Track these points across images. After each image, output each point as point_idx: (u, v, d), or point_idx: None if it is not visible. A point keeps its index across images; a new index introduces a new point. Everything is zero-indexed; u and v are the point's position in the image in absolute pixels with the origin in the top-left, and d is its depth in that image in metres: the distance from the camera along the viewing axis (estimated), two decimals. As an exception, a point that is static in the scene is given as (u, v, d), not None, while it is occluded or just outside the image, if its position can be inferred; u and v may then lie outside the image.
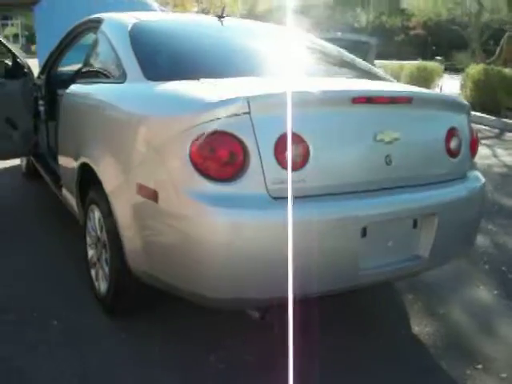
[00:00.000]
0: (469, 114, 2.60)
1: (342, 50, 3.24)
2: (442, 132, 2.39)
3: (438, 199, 2.30)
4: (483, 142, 8.30)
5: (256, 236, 1.90)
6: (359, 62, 3.14)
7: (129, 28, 2.73)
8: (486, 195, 2.73)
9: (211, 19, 3.21)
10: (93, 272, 2.71)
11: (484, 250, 3.70)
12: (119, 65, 2.58)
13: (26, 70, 3.86)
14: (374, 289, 2.94)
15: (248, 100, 1.90)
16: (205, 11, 24.35)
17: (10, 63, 3.92)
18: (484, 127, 9.60)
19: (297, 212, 1.86)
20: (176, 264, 2.03)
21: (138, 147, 2.19)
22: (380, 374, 2.29)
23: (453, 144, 2.41)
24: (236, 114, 1.89)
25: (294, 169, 1.92)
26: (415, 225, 2.26)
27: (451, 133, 2.42)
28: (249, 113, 1.89)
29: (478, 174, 2.65)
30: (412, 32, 29.08)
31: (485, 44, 19.01)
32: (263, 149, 1.89)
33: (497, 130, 9.41)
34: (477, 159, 6.67)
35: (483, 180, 2.63)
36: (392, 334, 2.62)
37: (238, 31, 3.15)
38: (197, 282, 2.00)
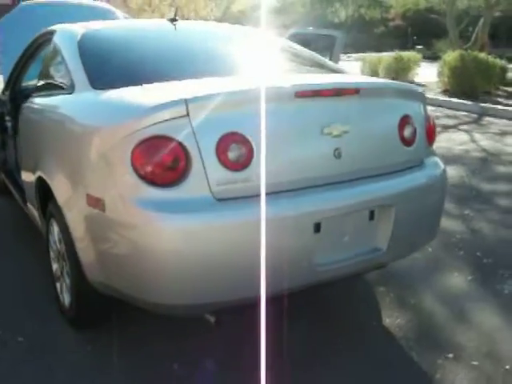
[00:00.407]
0: (424, 102, 2.59)
1: (294, 46, 3.22)
2: (395, 121, 2.36)
3: (393, 189, 2.28)
4: (461, 127, 8.33)
5: (203, 239, 1.87)
6: (312, 56, 3.12)
7: (78, 38, 2.70)
8: (446, 181, 2.66)
9: (164, 23, 3.16)
10: (58, 285, 2.67)
11: (460, 237, 3.68)
12: (68, 75, 2.54)
13: None
14: (344, 282, 2.92)
15: (186, 102, 1.87)
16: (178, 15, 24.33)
17: None
18: (462, 113, 9.64)
19: (243, 212, 1.87)
20: (128, 273, 1.99)
21: (85, 157, 2.15)
22: (348, 368, 2.26)
23: (407, 132, 2.39)
24: (174, 118, 1.86)
25: (238, 169, 1.91)
26: (372, 217, 2.24)
27: (404, 121, 2.39)
28: (187, 115, 1.87)
29: (437, 160, 2.63)
30: (392, 23, 29.21)
31: (464, 31, 19.07)
32: (204, 151, 1.87)
33: (475, 115, 9.43)
34: (455, 145, 6.80)
35: (442, 166, 2.61)
36: (362, 327, 2.59)
37: (189, 34, 3.10)
38: (149, 291, 1.97)
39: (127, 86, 2.28)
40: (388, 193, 2.25)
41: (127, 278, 2.01)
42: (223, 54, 2.83)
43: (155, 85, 2.23)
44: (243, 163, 1.92)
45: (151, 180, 1.87)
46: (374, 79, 2.72)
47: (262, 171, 1.90)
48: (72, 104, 2.46)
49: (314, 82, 2.34)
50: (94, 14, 5.25)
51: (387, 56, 15.08)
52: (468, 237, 3.72)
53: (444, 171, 2.59)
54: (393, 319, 2.64)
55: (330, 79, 2.57)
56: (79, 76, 2.45)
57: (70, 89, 2.49)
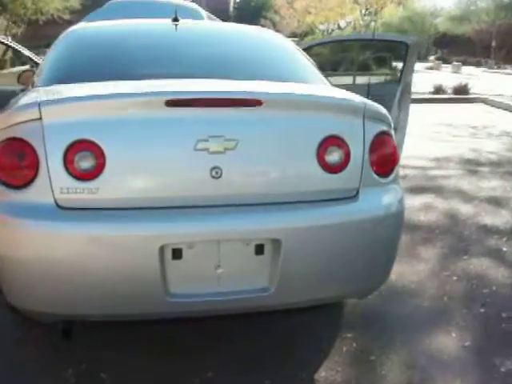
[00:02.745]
0: (374, 120, 2.02)
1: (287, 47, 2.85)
2: (313, 141, 1.91)
3: (288, 223, 1.85)
4: None
5: (42, 247, 1.77)
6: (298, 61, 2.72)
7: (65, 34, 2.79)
8: (392, 223, 2.06)
9: (165, 23, 2.99)
10: None
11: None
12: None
13: None
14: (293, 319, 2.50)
15: (39, 105, 1.79)
16: None
17: None
18: None
19: (81, 224, 1.74)
20: None
21: None
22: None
23: (331, 156, 1.92)
24: (28, 120, 1.79)
25: (85, 178, 1.77)
26: (260, 251, 1.84)
27: (329, 142, 1.92)
28: (40, 119, 1.78)
29: (388, 195, 2.05)
30: None
31: None
32: (51, 156, 1.76)
33: None
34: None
35: (393, 204, 2.05)
36: (287, 375, 2.18)
37: (182, 35, 2.84)
38: (6, 292, 1.92)
39: (71, 83, 2.16)
40: (279, 226, 1.84)
41: None
42: (204, 56, 2.57)
43: (51, 88, 2.12)
44: (92, 173, 1.77)
45: (4, 181, 1.82)
46: (296, 89, 2.16)
47: (115, 185, 1.78)
48: None
49: (199, 89, 1.96)
50: (180, 12, 5.30)
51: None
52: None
53: (392, 211, 2.04)
54: (331, 374, 2.18)
55: (232, 87, 2.07)
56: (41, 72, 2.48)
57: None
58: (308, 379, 2.15)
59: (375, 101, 2.09)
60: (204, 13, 5.69)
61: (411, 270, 3.24)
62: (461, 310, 2.72)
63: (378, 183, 2.02)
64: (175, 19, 2.88)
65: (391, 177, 2.07)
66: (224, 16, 13.20)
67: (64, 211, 1.76)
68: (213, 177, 1.79)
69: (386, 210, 2.02)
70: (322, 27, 35.17)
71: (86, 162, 1.76)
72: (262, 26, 6.49)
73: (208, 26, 3.09)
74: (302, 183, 1.92)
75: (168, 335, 2.39)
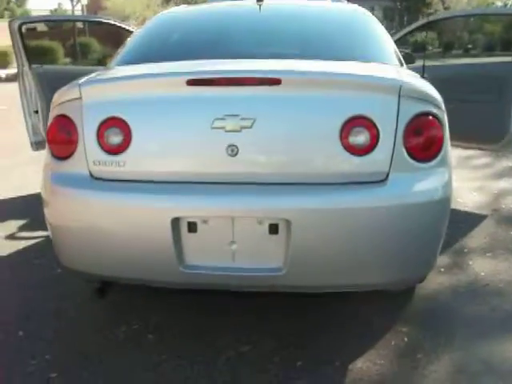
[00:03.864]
0: (406, 97, 1.82)
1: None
2: (335, 121, 1.80)
3: (303, 204, 1.78)
4: None
5: (78, 212, 1.95)
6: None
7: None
8: (420, 210, 1.83)
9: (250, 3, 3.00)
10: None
11: None
12: None
13: None
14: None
15: (80, 86, 1.96)
16: None
17: None
18: None
19: (110, 194, 1.89)
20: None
21: None
22: None
23: (356, 137, 1.79)
24: (71, 99, 1.97)
25: (114, 152, 1.91)
26: (274, 231, 1.80)
27: (354, 122, 1.79)
28: (80, 98, 1.94)
29: (421, 181, 1.84)
30: None
31: None
32: (87, 131, 1.93)
33: None
34: None
35: (422, 189, 1.84)
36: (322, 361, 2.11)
37: (264, 16, 2.78)
38: (56, 253, 2.14)
39: (139, 63, 2.32)
40: (289, 207, 1.78)
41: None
42: (274, 37, 2.56)
43: (149, 65, 2.24)
44: (119, 148, 1.90)
45: (53, 153, 2.04)
46: (321, 67, 2.04)
47: (140, 159, 1.90)
48: None
49: (221, 68, 1.96)
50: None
51: None
52: None
53: (428, 198, 1.84)
54: (367, 366, 2.07)
55: (254, 66, 2.03)
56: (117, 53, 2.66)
57: None
58: (341, 367, 2.07)
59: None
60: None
61: (506, 267, 2.90)
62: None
63: (415, 168, 1.84)
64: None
65: (434, 162, 1.86)
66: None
67: (97, 181, 1.92)
68: (229, 155, 1.80)
69: (421, 198, 1.82)
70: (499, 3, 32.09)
71: (115, 138, 1.89)
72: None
73: (292, 5, 3.01)
74: (322, 164, 1.83)
75: (214, 307, 2.48)
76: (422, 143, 1.84)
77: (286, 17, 2.77)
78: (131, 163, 1.89)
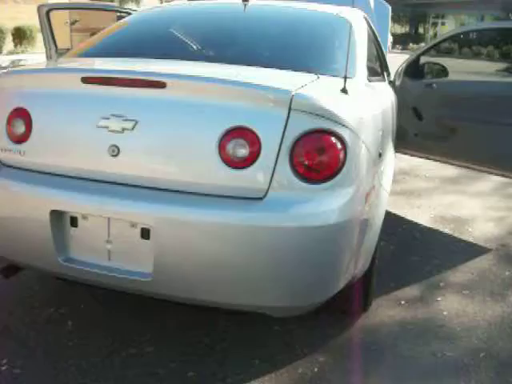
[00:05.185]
0: (297, 111, 1.68)
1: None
2: (215, 130, 1.70)
3: (161, 212, 1.72)
4: None
5: None
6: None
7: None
8: (296, 235, 1.67)
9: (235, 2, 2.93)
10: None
11: None
12: None
13: None
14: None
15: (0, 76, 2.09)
16: None
17: None
18: None
19: (8, 181, 1.96)
20: None
21: None
22: None
23: (234, 150, 1.69)
24: None
25: (17, 141, 1.97)
26: (146, 235, 1.75)
27: (235, 133, 1.69)
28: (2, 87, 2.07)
29: (306, 203, 1.69)
30: None
31: None
32: (0, 120, 2.01)
33: None
34: None
35: (302, 213, 1.68)
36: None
37: (242, 16, 2.72)
38: None
39: (97, 57, 2.41)
40: (152, 214, 1.72)
41: None
42: (231, 40, 2.51)
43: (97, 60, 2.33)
44: (22, 138, 1.96)
45: None
46: (232, 74, 1.95)
47: (38, 150, 1.95)
48: None
49: (116, 68, 1.99)
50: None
51: None
52: None
53: (308, 223, 1.67)
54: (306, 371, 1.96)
55: (159, 68, 2.02)
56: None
57: None
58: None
59: None
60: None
61: (476, 310, 2.62)
62: None
63: (302, 189, 1.69)
64: None
65: (328, 184, 1.70)
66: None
67: (5, 168, 2.01)
68: (110, 155, 1.80)
69: (300, 220, 1.67)
70: None
71: (19, 128, 1.95)
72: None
73: (268, 8, 2.88)
74: (198, 174, 1.74)
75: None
76: (313, 163, 1.69)
77: (255, 20, 2.67)
78: (30, 153, 1.95)
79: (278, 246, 1.67)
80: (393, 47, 31.53)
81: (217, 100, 1.73)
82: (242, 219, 1.66)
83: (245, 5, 2.77)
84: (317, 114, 1.69)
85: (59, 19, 6.67)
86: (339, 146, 1.70)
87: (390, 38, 35.81)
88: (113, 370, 2.04)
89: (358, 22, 2.68)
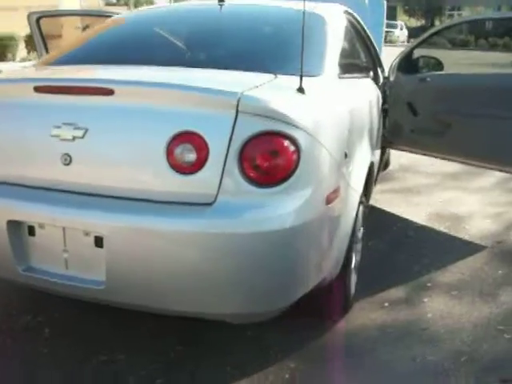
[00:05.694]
0: (246, 113, 1.63)
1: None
2: (163, 135, 1.67)
3: (112, 220, 1.70)
4: None
5: None
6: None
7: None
8: (245, 240, 1.62)
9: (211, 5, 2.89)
10: None
11: None
12: None
13: None
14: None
15: None
16: None
17: None
18: None
19: None
20: None
21: None
22: None
23: (181, 155, 1.66)
24: None
25: None
26: (99, 244, 1.72)
27: (182, 138, 1.65)
28: None
29: (257, 208, 1.63)
30: None
31: None
32: None
33: None
34: None
35: (253, 218, 1.64)
36: None
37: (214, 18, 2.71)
38: None
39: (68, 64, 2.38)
40: (103, 222, 1.70)
41: None
42: (201, 42, 2.49)
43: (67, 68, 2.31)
44: None
45: None
46: (177, 78, 1.91)
47: None
48: None
49: (68, 76, 1.98)
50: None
51: None
52: None
53: (260, 228, 1.63)
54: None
55: (111, 74, 2.01)
56: None
57: None
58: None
59: None
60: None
61: (463, 312, 2.53)
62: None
63: (252, 193, 1.64)
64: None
65: (280, 187, 1.64)
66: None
67: None
68: (63, 163, 1.79)
69: (250, 225, 1.62)
70: None
71: None
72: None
73: (243, 8, 2.84)
74: (148, 181, 1.72)
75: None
76: (263, 166, 1.64)
77: (223, 21, 2.64)
78: None
79: (230, 253, 1.62)
80: (408, 40, 31.14)
81: (164, 105, 1.69)
82: (191, 225, 1.63)
83: (220, 6, 2.74)
84: (267, 116, 1.64)
85: (70, 24, 6.72)
86: (291, 147, 1.65)
87: (405, 32, 35.53)
88: (83, 377, 2.02)
89: (333, 18, 2.61)
